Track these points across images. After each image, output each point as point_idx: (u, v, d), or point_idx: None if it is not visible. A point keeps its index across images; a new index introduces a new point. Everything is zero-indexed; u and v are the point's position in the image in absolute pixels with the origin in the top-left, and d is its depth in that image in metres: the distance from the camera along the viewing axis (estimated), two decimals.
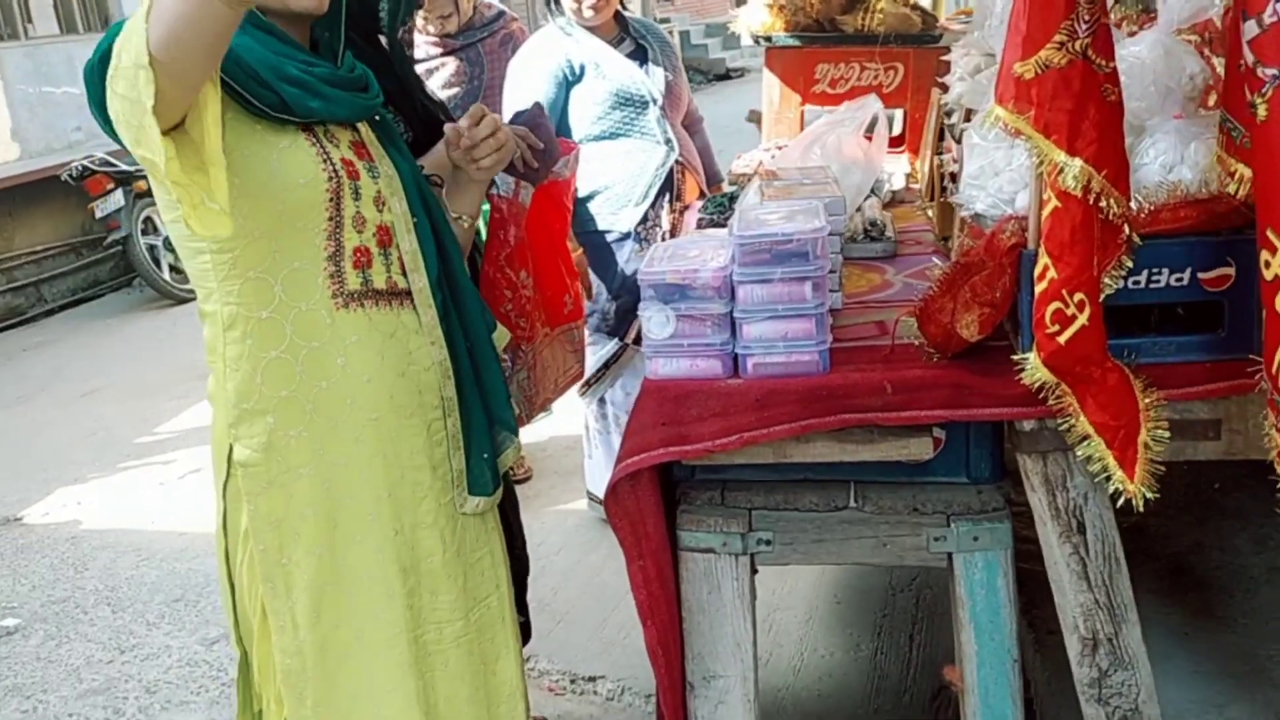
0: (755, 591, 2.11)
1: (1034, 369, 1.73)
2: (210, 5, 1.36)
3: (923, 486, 2.04)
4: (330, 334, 1.75)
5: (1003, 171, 1.88)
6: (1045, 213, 1.70)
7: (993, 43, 1.91)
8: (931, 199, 2.83)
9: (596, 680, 3.06)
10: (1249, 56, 1.56)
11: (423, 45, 3.79)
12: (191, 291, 1.84)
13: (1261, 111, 1.55)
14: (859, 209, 2.61)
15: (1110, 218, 1.68)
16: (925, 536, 2.01)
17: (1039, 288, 1.71)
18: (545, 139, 2.23)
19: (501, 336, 2.05)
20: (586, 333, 3.21)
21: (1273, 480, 2.33)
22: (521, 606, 2.56)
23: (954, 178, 2.37)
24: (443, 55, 3.75)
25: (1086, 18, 1.63)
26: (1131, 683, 1.91)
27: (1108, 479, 1.76)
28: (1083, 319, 1.68)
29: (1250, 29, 1.55)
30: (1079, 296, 1.68)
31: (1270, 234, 1.57)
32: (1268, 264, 1.58)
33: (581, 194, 3.61)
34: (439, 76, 3.80)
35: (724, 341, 1.96)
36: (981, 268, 1.88)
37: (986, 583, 2.00)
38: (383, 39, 2.23)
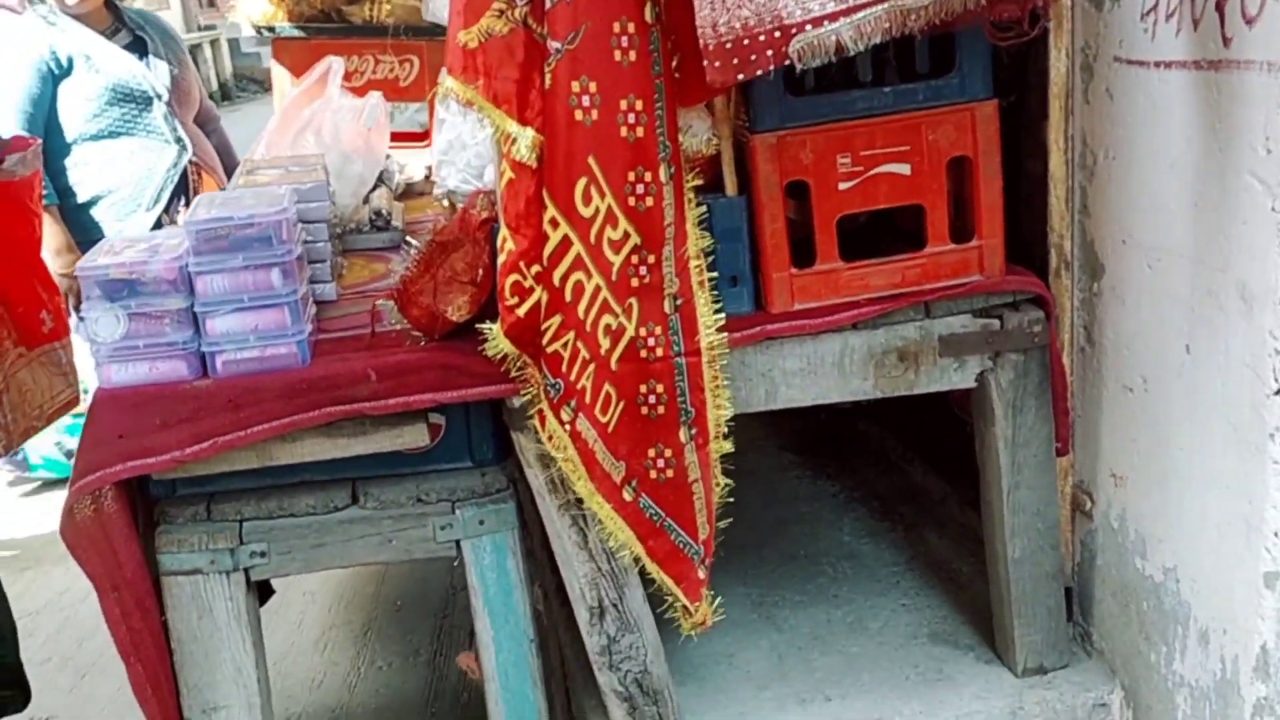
0: (257, 611, 1.95)
1: (496, 341, 1.71)
2: None
3: (427, 476, 1.97)
4: None
5: (470, 146, 1.85)
6: (501, 185, 1.68)
7: (442, 15, 1.88)
8: None
9: None
10: (545, 28, 1.60)
11: None
12: None
13: (548, 80, 1.60)
14: (366, 200, 2.51)
15: None
16: (431, 526, 1.94)
17: (500, 259, 1.68)
18: None
19: None
20: None
21: (780, 440, 2.42)
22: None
23: None
24: None
25: None
26: (639, 645, 1.95)
27: None
28: (540, 292, 1.68)
29: (548, 3, 1.59)
30: (536, 269, 1.67)
31: (545, 193, 1.63)
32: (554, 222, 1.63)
33: (82, 199, 3.30)
34: None
35: (187, 340, 1.79)
36: (459, 246, 1.84)
37: (496, 566, 1.96)
38: None
